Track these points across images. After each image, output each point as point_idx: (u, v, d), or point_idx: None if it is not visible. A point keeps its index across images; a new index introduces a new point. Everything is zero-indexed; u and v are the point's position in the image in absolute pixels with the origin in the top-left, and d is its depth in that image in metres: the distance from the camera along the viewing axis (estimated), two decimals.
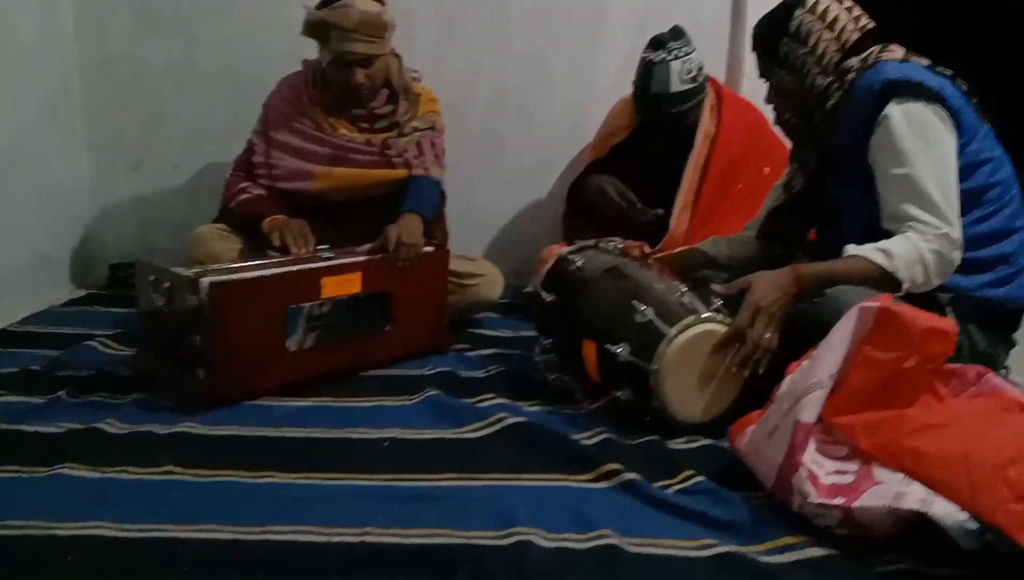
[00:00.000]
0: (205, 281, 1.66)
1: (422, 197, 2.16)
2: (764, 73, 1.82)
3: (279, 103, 2.25)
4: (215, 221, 2.24)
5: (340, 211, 2.16)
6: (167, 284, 1.72)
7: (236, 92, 2.64)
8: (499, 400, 1.77)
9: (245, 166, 2.25)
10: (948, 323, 1.36)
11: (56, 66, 2.61)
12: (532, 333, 2.02)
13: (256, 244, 2.11)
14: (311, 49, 2.21)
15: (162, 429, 1.59)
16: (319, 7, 2.11)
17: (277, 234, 2.02)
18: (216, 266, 1.82)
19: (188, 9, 2.68)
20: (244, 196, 2.19)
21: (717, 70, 2.70)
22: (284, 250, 1.98)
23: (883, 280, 1.56)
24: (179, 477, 1.43)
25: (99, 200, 2.77)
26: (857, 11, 1.76)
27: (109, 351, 2.02)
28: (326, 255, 1.92)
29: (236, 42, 2.69)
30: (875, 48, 1.73)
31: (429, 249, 2.03)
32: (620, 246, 1.98)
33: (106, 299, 2.56)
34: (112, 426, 1.59)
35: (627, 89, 2.45)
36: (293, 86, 2.25)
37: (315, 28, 2.09)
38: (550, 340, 1.91)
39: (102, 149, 2.74)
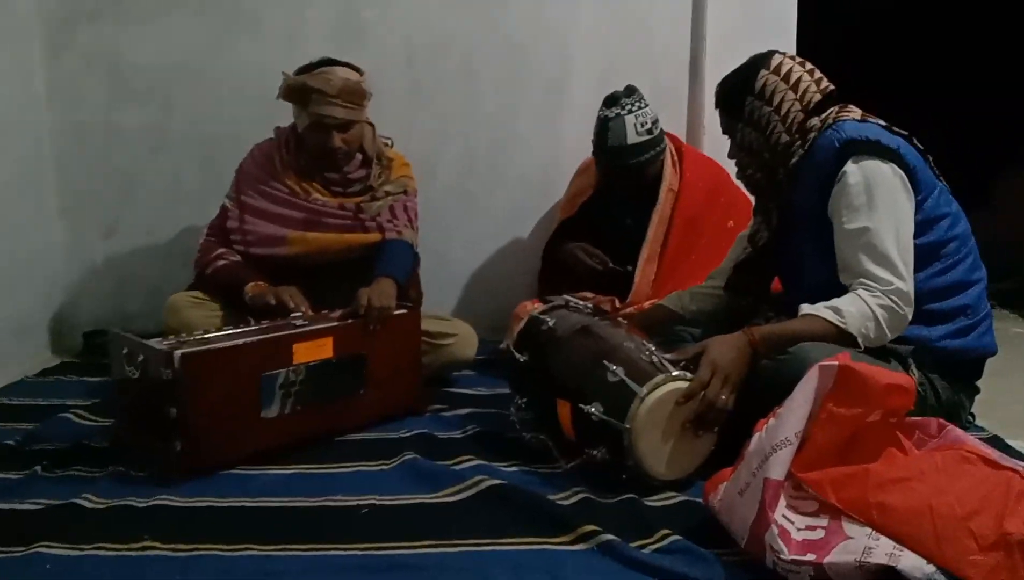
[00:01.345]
0: (177, 353, 1.67)
1: (395, 261, 2.19)
2: (727, 129, 1.89)
3: (252, 168, 2.29)
4: (189, 288, 2.26)
5: (313, 275, 2.18)
6: (141, 357, 1.73)
7: (208, 156, 2.67)
8: (477, 462, 1.78)
9: (218, 231, 2.28)
10: (906, 378, 1.41)
11: (28, 132, 2.63)
12: (508, 390, 2.04)
13: (234, 310, 2.13)
14: (282, 113, 2.25)
15: (139, 502, 1.59)
16: (298, 73, 2.17)
17: (271, 295, 2.05)
18: (188, 337, 1.83)
19: (161, 76, 2.72)
20: (221, 262, 2.21)
21: (678, 128, 2.79)
22: (281, 310, 2.01)
23: (838, 337, 1.62)
24: (157, 552, 1.42)
25: (73, 266, 2.78)
26: (818, 74, 1.84)
27: (84, 422, 2.01)
28: (299, 323, 1.93)
29: (208, 107, 2.72)
30: (835, 108, 1.80)
31: (400, 310, 2.05)
32: (590, 305, 2.02)
33: (80, 368, 2.55)
34: (89, 501, 1.59)
35: (591, 148, 2.52)
36: (265, 152, 2.29)
37: (296, 92, 2.14)
38: (525, 399, 1.93)
39: (75, 215, 2.75)
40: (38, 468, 1.73)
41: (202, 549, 1.43)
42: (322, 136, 2.17)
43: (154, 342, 1.76)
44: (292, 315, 1.98)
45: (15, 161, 2.55)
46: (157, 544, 1.44)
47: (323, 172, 2.26)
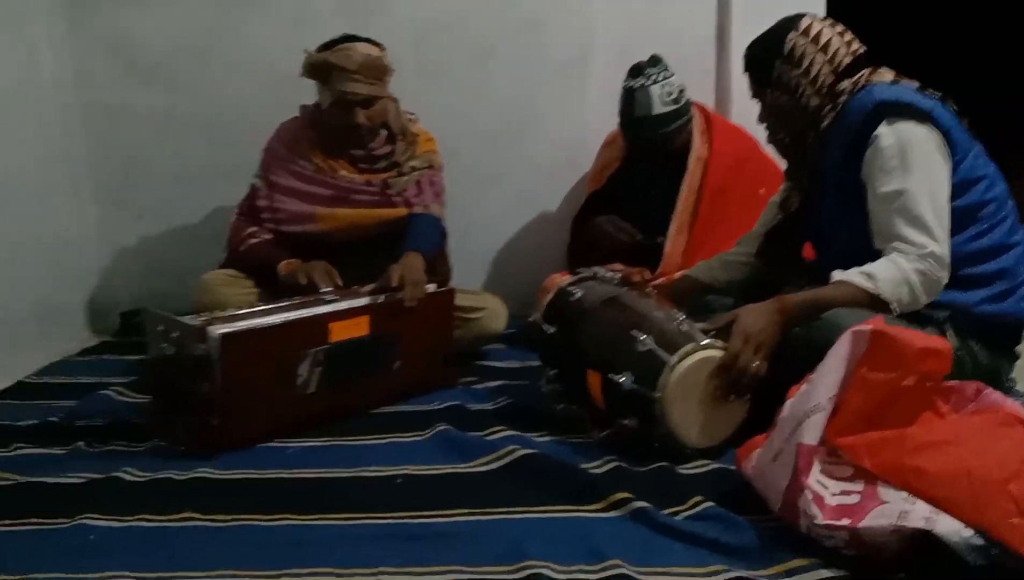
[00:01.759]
0: (215, 331, 1.69)
1: (423, 235, 2.20)
2: (756, 94, 1.86)
3: (278, 147, 2.30)
4: (222, 266, 2.28)
5: (343, 251, 2.19)
6: (176, 334, 1.75)
7: (214, 137, 2.69)
8: (508, 432, 1.79)
9: (249, 210, 2.30)
10: (942, 342, 1.39)
11: (58, 115, 2.65)
12: (538, 363, 2.05)
13: (268, 287, 2.16)
14: (295, 92, 2.26)
15: (179, 475, 1.62)
16: (319, 50, 2.17)
17: (303, 274, 2.06)
18: (224, 314, 1.86)
19: (177, 57, 2.71)
20: (253, 240, 2.24)
21: (706, 97, 2.74)
22: (311, 289, 2.02)
23: (871, 303, 1.59)
24: (198, 523, 1.45)
25: (106, 250, 2.83)
26: (848, 36, 1.80)
27: (124, 399, 2.05)
28: (330, 298, 1.95)
29: (223, 88, 2.72)
30: (866, 71, 1.77)
31: (432, 287, 2.06)
32: (619, 275, 2.01)
33: (119, 347, 2.59)
34: (130, 474, 1.62)
35: (617, 120, 2.50)
36: (291, 130, 2.30)
37: (317, 69, 2.15)
38: (555, 370, 1.93)
39: (106, 199, 2.79)
40: (81, 443, 1.77)
41: (241, 519, 1.46)
42: (345, 113, 2.17)
43: (188, 319, 1.78)
44: (323, 290, 2.00)
45: (45, 147, 2.59)
46: (197, 515, 1.47)
47: (348, 149, 2.26)
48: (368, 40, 2.21)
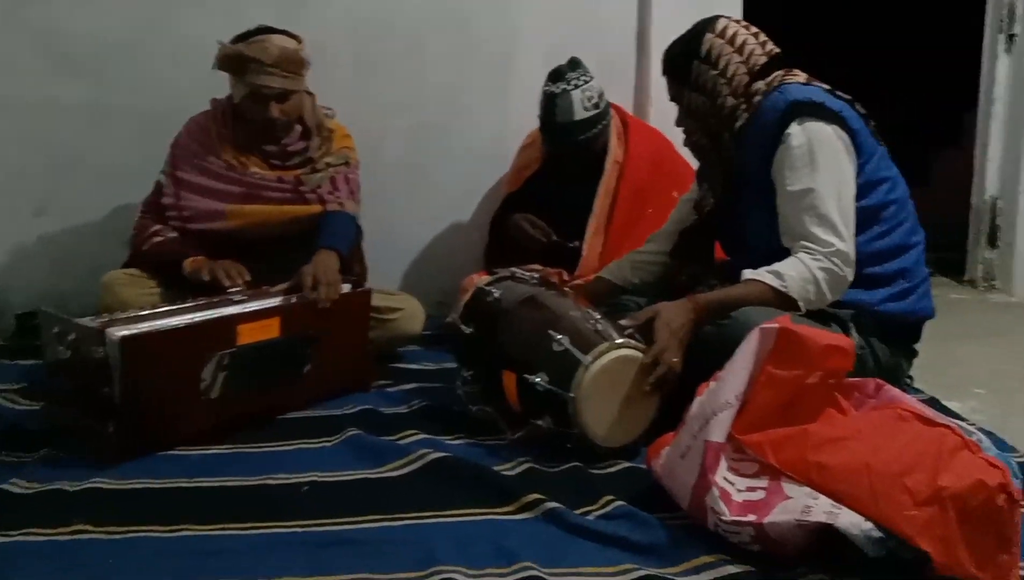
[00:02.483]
0: (114, 334, 1.61)
1: (337, 233, 2.15)
2: (675, 96, 1.88)
3: (187, 142, 2.22)
4: (125, 265, 2.19)
5: (254, 250, 2.12)
6: (72, 336, 1.67)
7: (146, 132, 2.58)
8: (421, 435, 1.76)
9: (154, 207, 2.21)
10: (846, 340, 1.42)
11: None
12: (455, 365, 2.03)
13: (172, 287, 2.08)
14: (223, 86, 2.19)
15: (71, 486, 1.53)
16: (234, 41, 2.10)
17: (206, 271, 1.99)
18: (124, 315, 1.78)
19: (98, 50, 2.60)
20: (158, 238, 2.15)
21: (625, 99, 2.77)
22: (215, 287, 1.95)
23: (779, 301, 1.63)
24: (90, 536, 1.38)
25: (2, 247, 2.67)
26: (763, 37, 1.84)
27: (15, 406, 1.94)
28: (238, 298, 1.88)
29: (147, 82, 2.63)
30: (780, 72, 1.81)
31: (348, 288, 2.01)
32: (537, 276, 2.00)
33: (12, 351, 2.45)
34: (18, 486, 1.53)
35: (537, 122, 2.50)
36: (201, 125, 2.23)
37: (231, 62, 2.08)
38: (471, 372, 1.91)
39: (6, 194, 2.64)
40: None
41: (137, 531, 1.40)
42: (259, 107, 2.11)
43: (86, 320, 1.70)
44: (229, 290, 1.93)
45: None
46: (89, 527, 1.40)
47: (261, 144, 2.20)
48: (285, 32, 2.16)
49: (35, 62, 2.60)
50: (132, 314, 1.79)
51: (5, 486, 1.52)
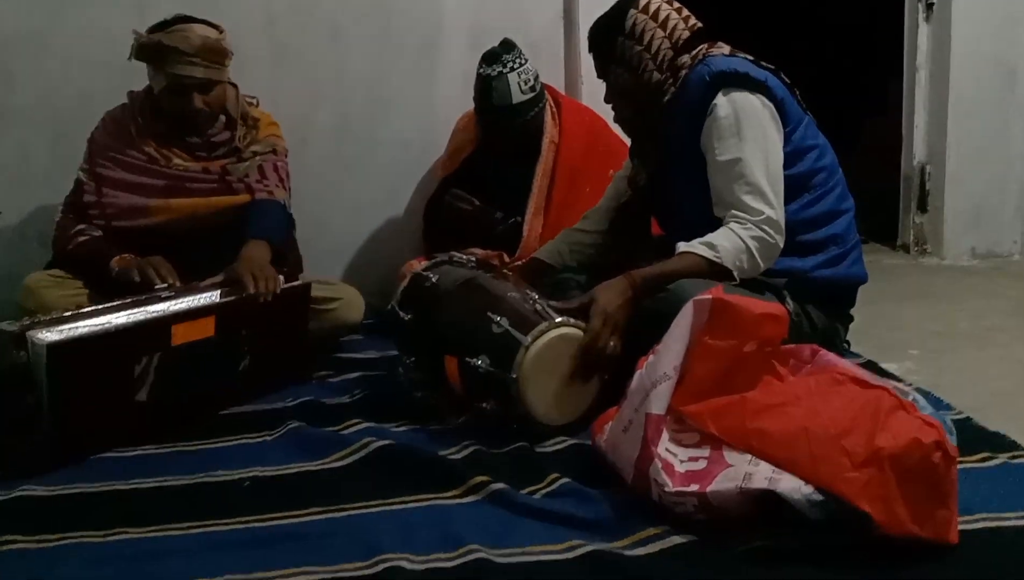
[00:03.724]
0: (39, 338, 1.55)
1: (267, 222, 2.09)
2: (601, 73, 1.88)
3: (104, 137, 2.14)
4: (47, 268, 2.11)
5: (183, 244, 2.06)
6: None
7: (59, 130, 2.49)
8: (365, 424, 1.74)
9: (75, 207, 2.12)
10: (779, 307, 1.44)
11: None
12: (397, 353, 2.00)
13: (98, 288, 2.00)
14: (138, 79, 2.11)
15: None
16: (151, 31, 2.03)
17: (136, 270, 1.93)
18: (47, 317, 1.70)
19: (1, 47, 2.50)
20: (82, 238, 2.07)
21: (555, 79, 2.76)
22: (146, 287, 1.89)
23: (713, 272, 1.64)
24: (20, 546, 1.33)
25: None
26: (686, 12, 1.85)
27: None
28: (167, 295, 1.83)
29: (55, 79, 2.53)
30: (704, 45, 1.81)
31: (283, 280, 1.96)
32: (475, 259, 1.99)
33: None
34: None
35: (468, 104, 2.47)
36: (118, 119, 2.15)
37: (150, 51, 2.01)
38: (413, 358, 1.89)
39: None
40: None
41: (71, 538, 1.35)
42: (181, 98, 2.04)
43: (4, 324, 1.63)
44: (157, 287, 1.87)
45: None
46: (19, 538, 1.34)
47: (184, 136, 2.13)
48: (205, 22, 2.08)
49: None
50: (56, 316, 1.71)
51: None
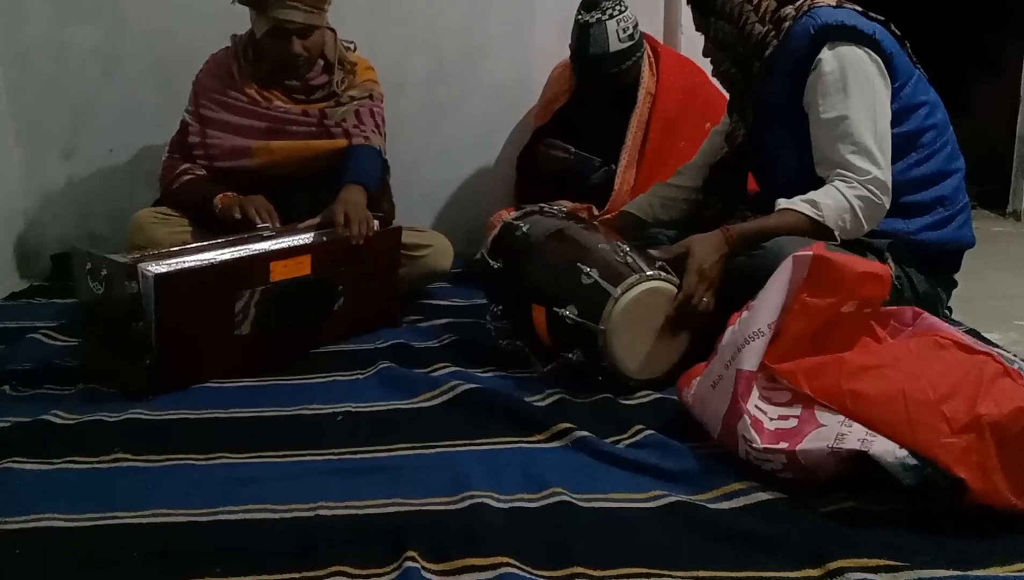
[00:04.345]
0: (148, 270, 1.63)
1: (363, 167, 2.13)
2: (700, 26, 1.83)
3: (209, 79, 2.20)
4: (154, 205, 2.20)
5: (280, 185, 2.11)
6: (104, 272, 1.68)
7: (164, 74, 2.58)
8: (452, 368, 1.77)
9: (180, 147, 2.20)
10: (882, 267, 1.40)
11: None
12: (484, 301, 2.02)
13: (202, 225, 2.08)
14: (240, 24, 2.16)
15: (110, 417, 1.57)
16: None
17: (238, 209, 2.00)
18: (155, 251, 1.79)
19: None
20: (187, 177, 2.15)
21: (654, 28, 2.70)
22: (248, 224, 1.96)
23: (814, 230, 1.59)
24: (129, 464, 1.41)
25: (33, 191, 2.69)
26: None
27: (53, 343, 1.98)
28: (267, 234, 1.89)
29: (161, 22, 2.61)
30: None
31: (377, 224, 1.99)
32: (566, 210, 1.98)
33: (49, 290, 2.50)
34: (59, 417, 1.57)
35: (564, 53, 2.44)
36: (221, 61, 2.20)
37: None
38: (501, 306, 1.91)
39: (31, 139, 2.66)
40: (6, 387, 1.70)
41: (174, 459, 1.42)
42: (282, 42, 2.08)
43: (117, 256, 1.71)
44: (259, 226, 1.94)
45: None
46: (128, 456, 1.43)
47: (284, 79, 2.17)
48: None
49: (43, 8, 2.58)
50: (163, 251, 1.80)
51: (47, 417, 1.56)
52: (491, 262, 1.88)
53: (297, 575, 1.10)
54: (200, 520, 1.24)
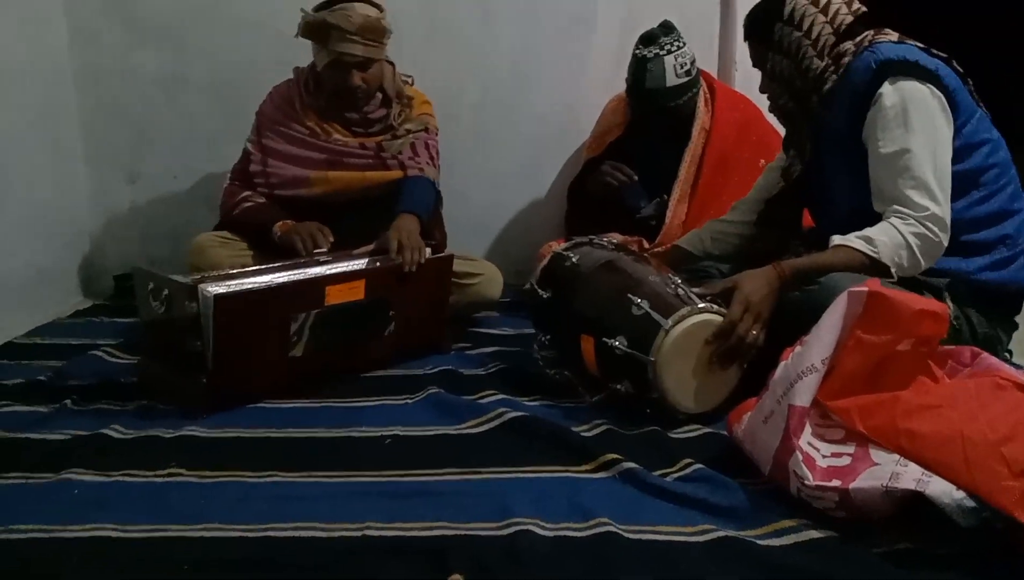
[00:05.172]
0: (208, 291, 1.67)
1: (417, 197, 2.17)
2: (757, 61, 1.84)
3: (271, 111, 2.27)
4: (214, 229, 2.26)
5: (336, 215, 2.16)
6: (166, 292, 1.73)
7: (227, 99, 2.66)
8: (499, 396, 1.77)
9: (242, 175, 2.27)
10: (940, 305, 1.37)
11: (48, 79, 2.61)
12: (532, 331, 2.03)
13: (261, 250, 2.14)
14: (299, 53, 2.23)
15: (166, 433, 1.61)
16: (316, 10, 2.14)
17: (299, 239, 2.04)
18: (215, 273, 1.84)
19: (175, 17, 2.68)
20: (248, 204, 2.22)
21: (708, 64, 2.71)
22: (305, 250, 2.01)
23: (869, 267, 1.57)
24: (183, 479, 1.44)
25: (99, 212, 2.79)
26: None
27: (113, 360, 2.04)
28: (323, 259, 1.93)
29: (224, 49, 2.69)
30: (870, 32, 1.74)
31: (430, 252, 2.03)
32: (616, 242, 1.99)
33: (111, 310, 2.58)
34: (117, 431, 1.61)
35: (618, 86, 2.47)
36: (284, 93, 2.27)
37: (315, 29, 2.11)
38: (548, 336, 1.91)
39: (98, 161, 2.76)
40: (67, 402, 1.75)
41: (226, 475, 1.45)
42: (341, 74, 2.14)
43: (179, 277, 1.76)
44: (316, 251, 1.98)
45: (38, 108, 2.55)
46: (183, 471, 1.46)
47: (343, 112, 2.23)
48: (367, 0, 2.18)
49: (114, 32, 2.68)
50: (223, 273, 1.85)
51: (105, 431, 1.60)
52: (540, 292, 1.89)
53: None
54: (249, 536, 1.26)
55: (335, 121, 2.25)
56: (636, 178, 2.42)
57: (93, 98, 2.71)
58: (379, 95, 2.26)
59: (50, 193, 2.60)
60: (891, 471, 1.22)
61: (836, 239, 1.64)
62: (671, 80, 2.34)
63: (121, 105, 2.73)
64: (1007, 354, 1.85)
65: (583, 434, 1.59)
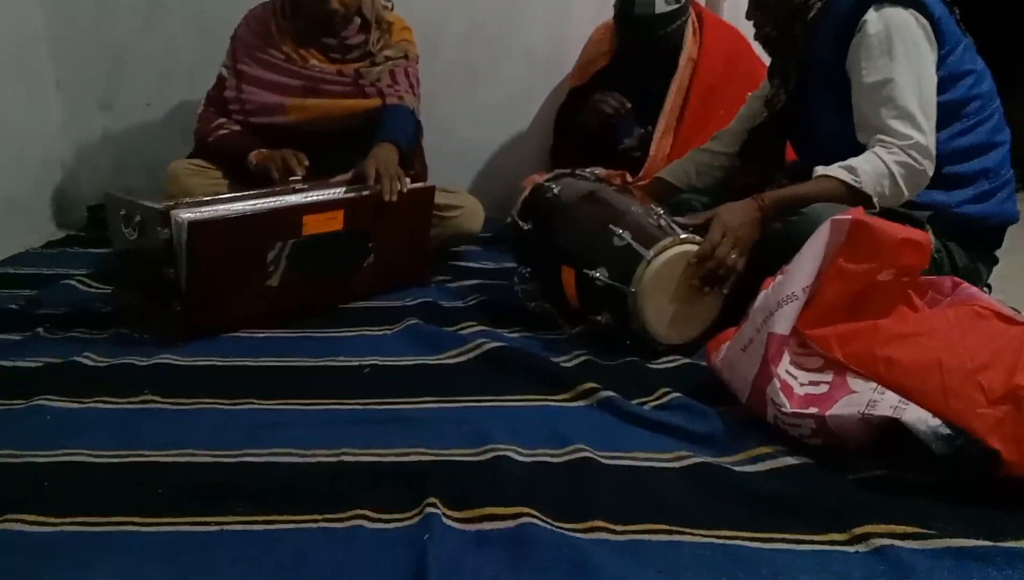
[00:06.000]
0: (181, 217, 1.63)
1: (396, 126, 2.12)
2: None
3: (247, 36, 2.20)
4: (189, 157, 2.21)
5: (314, 143, 2.11)
6: (138, 218, 1.69)
7: (204, 26, 2.58)
8: (479, 327, 1.76)
9: (216, 101, 2.21)
10: (922, 235, 1.35)
11: (18, 7, 2.52)
12: (513, 264, 2.01)
13: (236, 178, 2.10)
14: None
15: (140, 361, 1.59)
16: None
17: (273, 166, 2.00)
18: (189, 200, 1.80)
19: None
20: (222, 131, 2.17)
21: None
22: (283, 180, 1.97)
23: (851, 197, 1.55)
24: (157, 406, 1.43)
25: (71, 141, 2.72)
26: None
27: (87, 289, 2.01)
28: (300, 187, 1.89)
29: None
30: None
31: (409, 182, 1.99)
32: (598, 173, 1.96)
33: (84, 241, 2.54)
34: (90, 359, 1.59)
35: (605, 15, 2.41)
36: (260, 18, 2.20)
37: None
38: (529, 268, 1.90)
39: (70, 89, 2.68)
40: (40, 330, 1.72)
41: (202, 403, 1.44)
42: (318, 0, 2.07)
43: (151, 203, 1.72)
44: (291, 180, 1.94)
45: (7, 37, 2.47)
46: (157, 398, 1.45)
47: (320, 37, 2.17)
48: None
49: None
50: (196, 200, 1.81)
51: (79, 359, 1.58)
52: (521, 223, 1.87)
53: (319, 516, 1.11)
54: (225, 461, 1.25)
55: (312, 47, 2.18)
56: (630, 106, 2.38)
57: (65, 21, 2.62)
58: (357, 20, 2.19)
59: (20, 121, 2.52)
60: (868, 398, 1.22)
61: (819, 170, 1.61)
62: (660, 7, 2.28)
63: (95, 29, 2.64)
64: (986, 288, 1.84)
65: (562, 364, 1.58)
